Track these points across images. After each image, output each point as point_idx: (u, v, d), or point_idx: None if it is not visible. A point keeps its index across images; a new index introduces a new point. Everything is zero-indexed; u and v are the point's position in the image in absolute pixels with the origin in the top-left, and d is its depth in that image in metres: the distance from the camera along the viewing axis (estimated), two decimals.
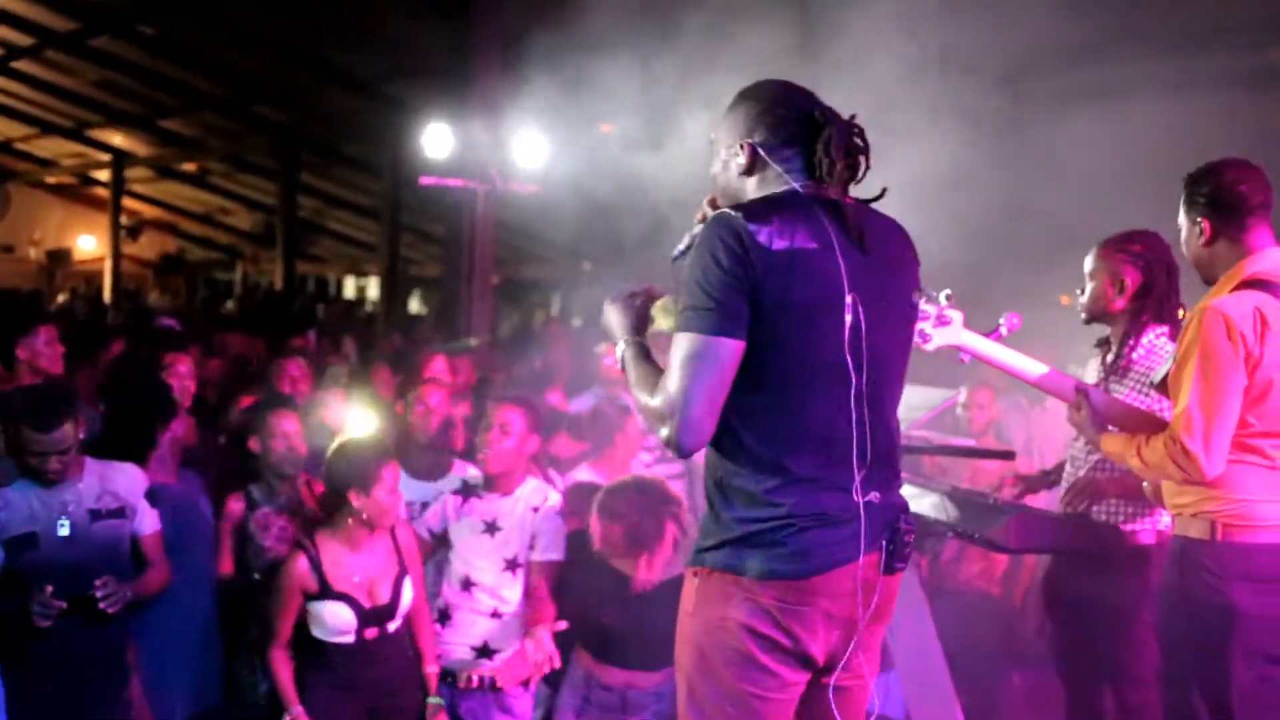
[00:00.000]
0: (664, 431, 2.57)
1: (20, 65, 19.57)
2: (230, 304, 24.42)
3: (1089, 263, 4.11)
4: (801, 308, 2.54)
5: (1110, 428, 3.62)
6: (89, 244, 29.15)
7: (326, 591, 4.27)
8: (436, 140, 9.80)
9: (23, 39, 18.09)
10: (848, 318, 2.56)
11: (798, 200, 2.65)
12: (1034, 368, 3.64)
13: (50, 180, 28.61)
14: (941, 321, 3.46)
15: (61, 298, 24.06)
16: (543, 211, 9.60)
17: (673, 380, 2.54)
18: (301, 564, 4.29)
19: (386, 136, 15.98)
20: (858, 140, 2.70)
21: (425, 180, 11.19)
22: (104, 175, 25.95)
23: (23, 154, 26.41)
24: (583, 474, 5.60)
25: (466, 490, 4.84)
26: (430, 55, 12.37)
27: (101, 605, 3.95)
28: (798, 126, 2.71)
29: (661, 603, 4.35)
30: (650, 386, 2.62)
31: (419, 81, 14.31)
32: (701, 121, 7.18)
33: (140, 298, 23.97)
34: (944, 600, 5.00)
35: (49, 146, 25.68)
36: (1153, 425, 3.53)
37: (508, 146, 9.18)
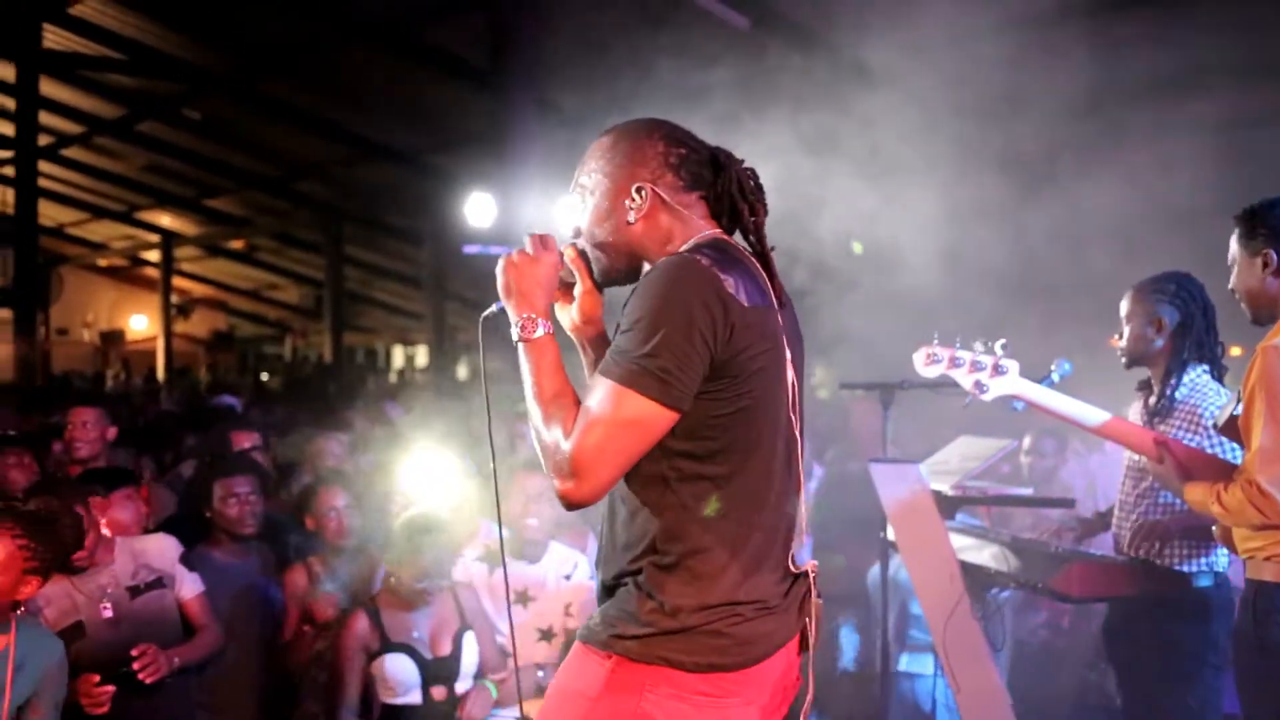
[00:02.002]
0: (562, 484, 2.26)
1: (70, 152, 20.02)
2: (265, 376, 24.61)
3: (1125, 306, 4.07)
4: (767, 374, 2.32)
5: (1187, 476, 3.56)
6: (141, 324, 29.61)
7: (387, 645, 4.27)
8: (478, 208, 9.90)
9: (72, 127, 18.51)
10: (789, 375, 2.39)
11: (733, 249, 2.40)
12: (1093, 414, 3.59)
13: (102, 263, 29.14)
14: (998, 371, 3.43)
15: (111, 378, 24.36)
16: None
17: (596, 437, 2.24)
18: (362, 621, 4.29)
19: (428, 206, 16.15)
20: (753, 182, 2.48)
21: (469, 248, 11.30)
22: (154, 256, 26.43)
23: (75, 238, 26.91)
24: None
25: (490, 558, 4.84)
26: (468, 126, 12.54)
27: (140, 676, 3.97)
28: (700, 169, 2.47)
29: None
30: (563, 418, 2.29)
31: (458, 151, 14.49)
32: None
33: (192, 375, 24.22)
34: (1010, 652, 4.93)
35: (100, 230, 26.20)
36: (1228, 471, 3.47)
37: (548, 211, 9.25)
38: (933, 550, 3.96)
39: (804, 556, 2.47)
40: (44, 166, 17.96)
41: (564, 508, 2.34)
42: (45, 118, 16.67)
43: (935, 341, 3.55)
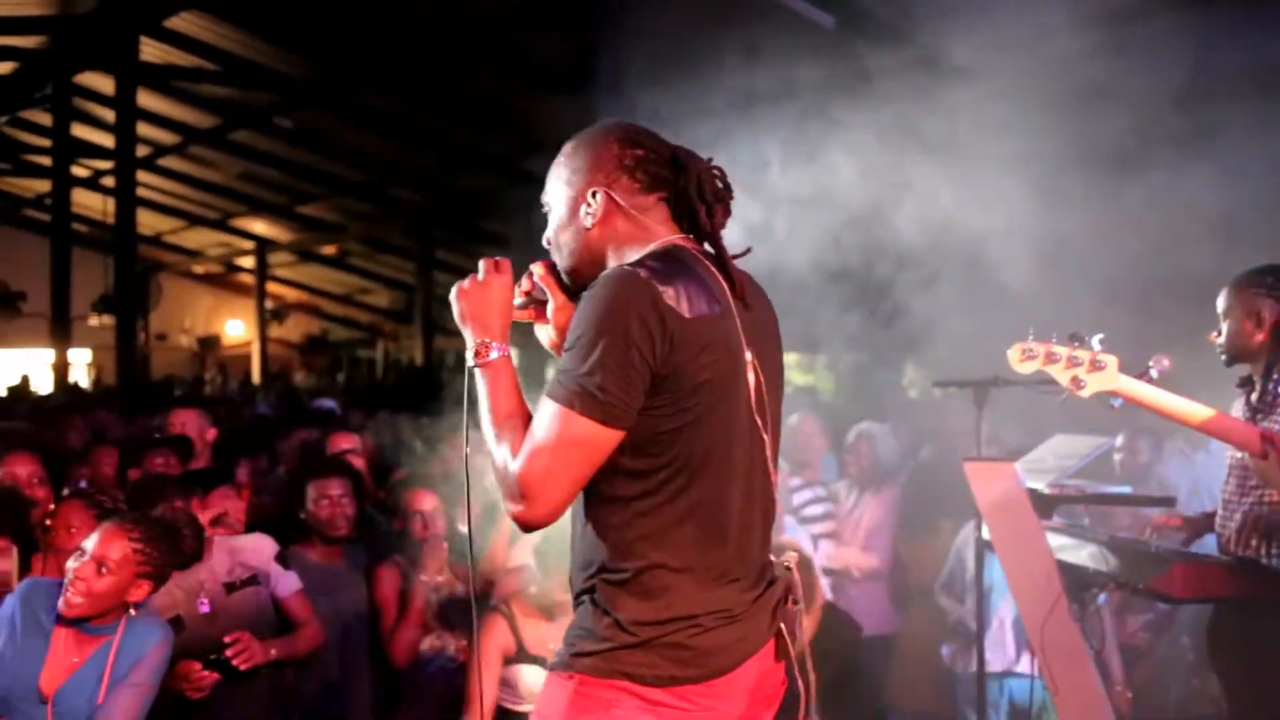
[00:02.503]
0: (514, 507, 2.25)
1: (166, 162, 20.43)
2: (340, 377, 24.88)
3: (1223, 301, 3.98)
4: (717, 384, 2.26)
5: None
6: (237, 329, 30.15)
7: (522, 654, 4.28)
8: None
9: (169, 137, 18.89)
10: (750, 377, 2.32)
11: (685, 256, 2.35)
12: (1195, 411, 3.51)
13: (198, 270, 29.70)
14: (1095, 367, 3.38)
15: (208, 381, 24.85)
16: None
17: (542, 459, 2.22)
18: (501, 625, 4.31)
19: (519, 210, 16.24)
20: (720, 183, 2.44)
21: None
22: (248, 262, 26.90)
23: (172, 246, 27.46)
24: None
25: None
26: (558, 130, 12.58)
27: (234, 662, 4.06)
28: (659, 169, 2.41)
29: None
30: (512, 439, 2.27)
31: (549, 156, 14.53)
32: (826, 184, 7.22)
33: (287, 379, 24.62)
34: (1110, 655, 4.85)
35: (196, 237, 26.70)
36: None
37: None
38: (1029, 549, 3.92)
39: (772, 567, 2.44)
40: (142, 176, 18.35)
41: (520, 530, 2.34)
42: (143, 128, 17.03)
43: (1031, 337, 3.52)
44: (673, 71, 8.48)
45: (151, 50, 15.25)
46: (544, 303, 2.58)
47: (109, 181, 18.90)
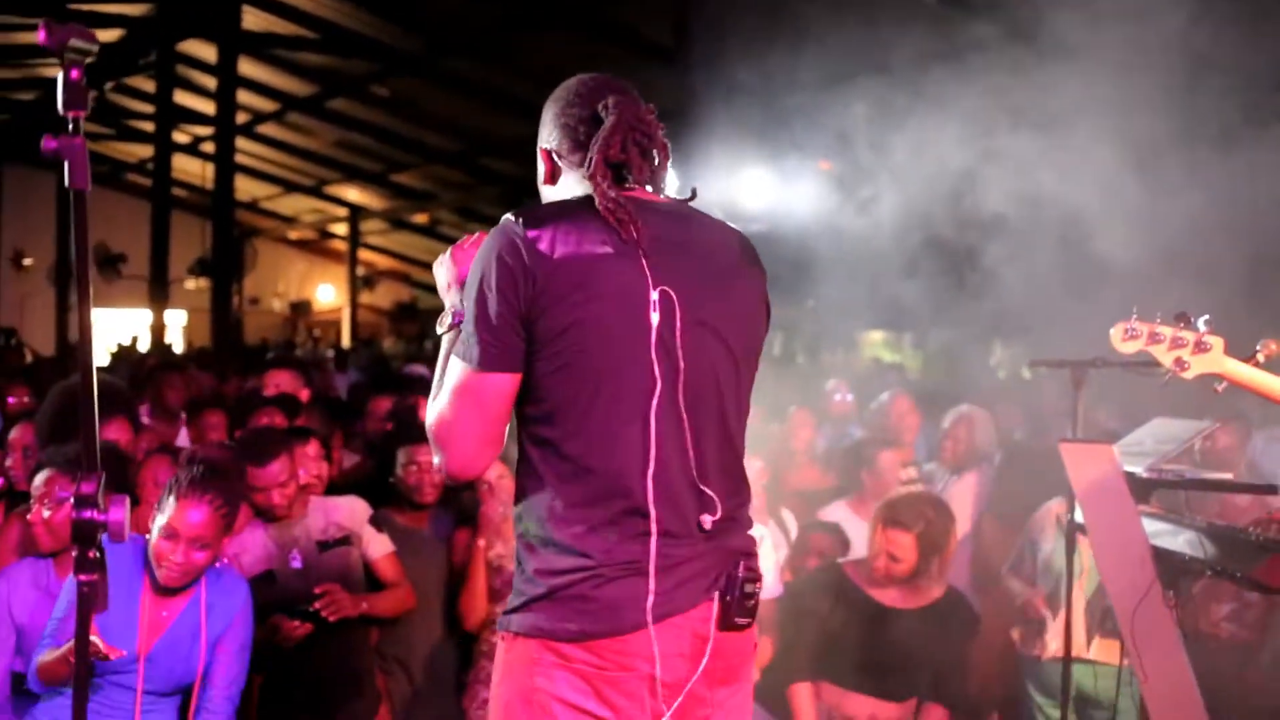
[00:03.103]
0: (435, 458, 2.33)
1: (264, 129, 20.77)
2: (428, 345, 25.02)
3: None
4: (596, 323, 2.22)
5: None
6: (328, 294, 30.60)
7: None
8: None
9: (267, 104, 19.19)
10: (654, 317, 2.25)
11: (583, 202, 2.32)
12: None
13: (292, 235, 30.20)
14: (1200, 348, 3.30)
15: (299, 348, 25.25)
16: (766, 251, 9.61)
17: (443, 406, 2.30)
18: None
19: None
20: (638, 135, 2.36)
21: None
22: (341, 229, 27.31)
23: (267, 212, 27.94)
24: (838, 512, 5.60)
25: None
26: (652, 101, 12.59)
27: (324, 614, 4.12)
28: (588, 126, 2.38)
29: (913, 628, 4.35)
30: (435, 395, 2.35)
31: None
32: (914, 159, 7.14)
33: (376, 345, 24.94)
34: (1194, 645, 4.75)
35: (290, 204, 27.14)
36: None
37: (731, 185, 9.25)
38: (1124, 534, 3.85)
39: (714, 527, 2.30)
40: (240, 143, 18.67)
41: (449, 481, 2.42)
42: (242, 96, 17.32)
43: (1134, 317, 3.44)
44: (767, 43, 8.44)
45: (253, 18, 15.48)
46: None
47: (208, 147, 19.27)
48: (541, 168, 2.49)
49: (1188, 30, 5.73)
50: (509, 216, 2.29)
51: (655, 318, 2.25)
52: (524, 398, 2.30)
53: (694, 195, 2.48)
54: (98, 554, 1.94)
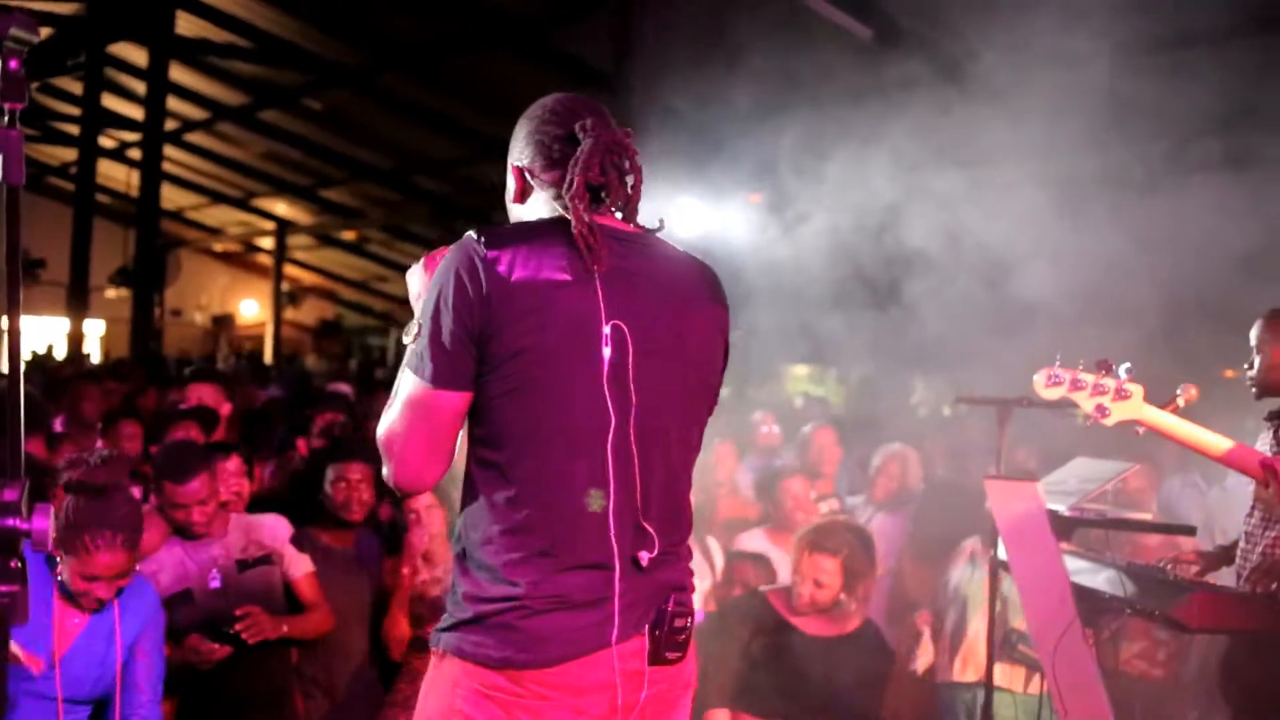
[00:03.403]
0: (384, 469, 2.31)
1: (193, 138, 20.51)
2: (351, 364, 24.89)
3: (1255, 334, 3.96)
4: (546, 350, 2.20)
5: None
6: (252, 309, 30.22)
7: None
8: None
9: (197, 112, 18.95)
10: (606, 350, 2.23)
11: (558, 226, 2.29)
12: (1217, 443, 3.50)
13: (217, 248, 29.80)
14: (1121, 395, 3.37)
15: (221, 360, 24.90)
16: None
17: (394, 418, 2.29)
18: None
19: None
20: (616, 158, 2.34)
21: None
22: (267, 243, 26.99)
23: (192, 222, 27.57)
24: (755, 540, 5.62)
25: None
26: None
27: (243, 636, 4.07)
28: (563, 145, 2.36)
29: (831, 657, 4.38)
30: (389, 407, 2.33)
31: None
32: (843, 192, 7.22)
33: (299, 362, 24.67)
34: (1108, 682, 4.83)
35: (217, 215, 26.82)
36: None
37: (665, 210, 9.29)
38: (1046, 571, 3.90)
39: (650, 561, 2.27)
40: (168, 150, 18.43)
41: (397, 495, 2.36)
42: (172, 103, 17.09)
43: (1057, 363, 3.51)
44: (706, 73, 8.50)
45: (187, 24, 15.30)
46: None
47: (135, 154, 18.97)
48: (511, 185, 2.46)
49: (1118, 79, 5.87)
50: (471, 233, 2.27)
51: (607, 351, 2.23)
52: (473, 417, 2.28)
53: (662, 226, 2.44)
54: (19, 564, 1.89)
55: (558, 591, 2.20)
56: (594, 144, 2.31)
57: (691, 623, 2.32)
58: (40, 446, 5.04)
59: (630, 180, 2.37)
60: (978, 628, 5.02)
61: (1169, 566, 4.10)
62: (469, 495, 2.31)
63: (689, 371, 2.36)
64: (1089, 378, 3.46)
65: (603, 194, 2.34)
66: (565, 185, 2.30)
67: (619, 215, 2.38)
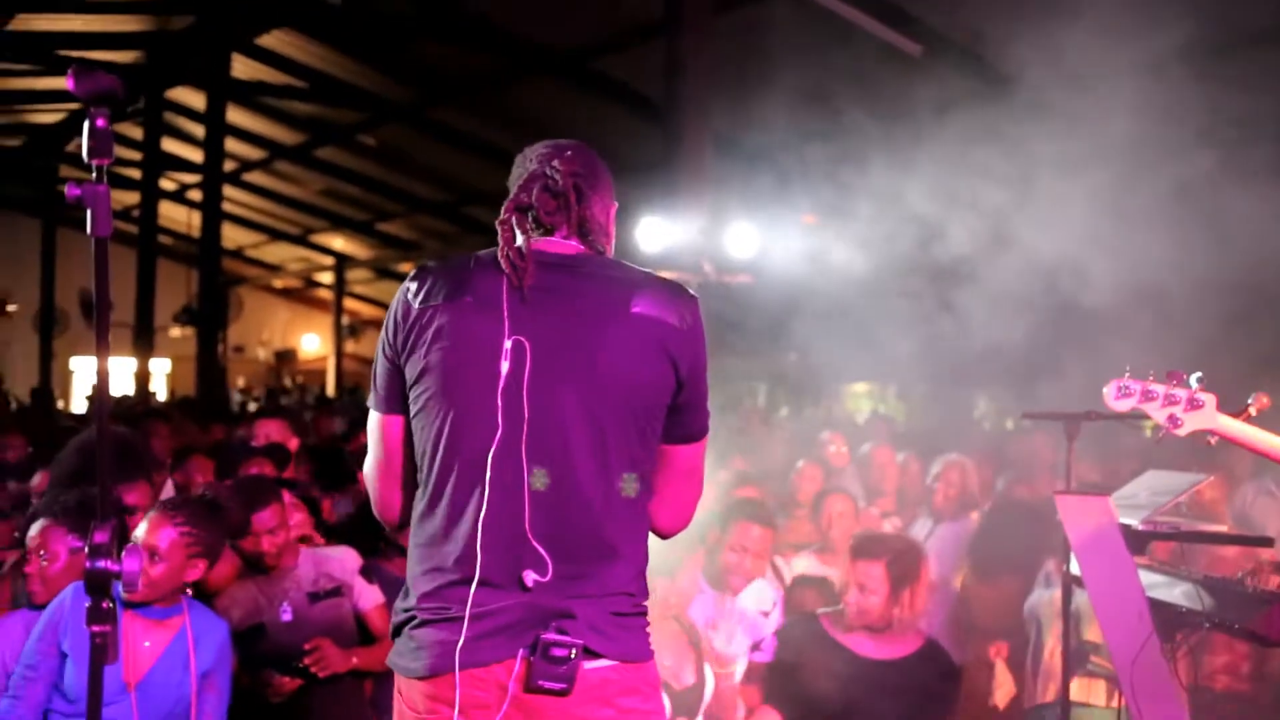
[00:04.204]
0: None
1: (251, 177, 20.81)
2: None
3: None
4: (446, 369, 2.27)
5: None
6: (313, 343, 30.54)
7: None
8: (649, 233, 10.03)
9: (255, 152, 19.24)
10: (503, 365, 2.25)
11: (490, 257, 2.36)
12: None
13: (277, 284, 30.18)
14: (1194, 405, 3.34)
15: (286, 396, 25.17)
16: (751, 302, 9.72)
17: (368, 452, 2.49)
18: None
19: None
20: (550, 179, 2.41)
21: None
22: (326, 278, 27.28)
23: (253, 260, 27.93)
24: (805, 563, 5.57)
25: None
26: (640, 154, 12.73)
27: (313, 670, 4.10)
28: (523, 181, 2.46)
29: (891, 680, 4.32)
30: None
31: (629, 178, 14.62)
32: (900, 205, 7.20)
33: (360, 394, 24.87)
34: (1191, 697, 4.75)
35: (276, 252, 27.16)
36: None
37: (716, 237, 9.31)
38: (1121, 587, 3.86)
39: (542, 584, 2.24)
40: (227, 190, 18.69)
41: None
42: (230, 144, 17.35)
43: (1127, 374, 3.48)
44: (754, 98, 8.52)
45: (243, 67, 15.55)
46: None
47: (195, 195, 19.25)
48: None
49: (1176, 89, 5.82)
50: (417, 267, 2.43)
51: (504, 366, 2.26)
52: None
53: (604, 250, 2.49)
54: (111, 604, 1.93)
55: (440, 604, 2.26)
56: (529, 172, 2.45)
57: (575, 655, 2.22)
58: (146, 498, 5.03)
59: (568, 198, 2.42)
60: (1053, 645, 4.96)
61: (1247, 578, 4.04)
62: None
63: (604, 390, 2.30)
64: (1160, 388, 3.42)
65: (531, 213, 2.40)
66: (502, 212, 2.40)
67: (565, 238, 2.43)
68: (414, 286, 2.36)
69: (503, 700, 2.21)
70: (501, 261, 2.32)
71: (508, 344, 2.26)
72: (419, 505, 2.35)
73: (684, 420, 2.44)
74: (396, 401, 2.38)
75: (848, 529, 5.50)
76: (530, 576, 2.23)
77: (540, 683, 2.20)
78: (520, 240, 2.33)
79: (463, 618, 2.22)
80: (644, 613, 2.38)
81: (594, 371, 2.29)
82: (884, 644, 4.39)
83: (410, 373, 2.33)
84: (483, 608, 2.22)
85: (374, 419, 2.44)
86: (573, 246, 2.43)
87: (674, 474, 2.48)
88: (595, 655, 2.25)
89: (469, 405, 2.27)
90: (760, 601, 4.85)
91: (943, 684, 4.48)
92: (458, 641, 2.20)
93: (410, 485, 2.41)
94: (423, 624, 2.26)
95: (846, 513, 5.69)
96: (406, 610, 2.32)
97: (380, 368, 2.40)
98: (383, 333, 2.41)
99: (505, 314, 2.28)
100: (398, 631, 2.34)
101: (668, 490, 2.47)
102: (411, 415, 2.35)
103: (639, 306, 2.35)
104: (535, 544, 2.24)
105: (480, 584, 2.23)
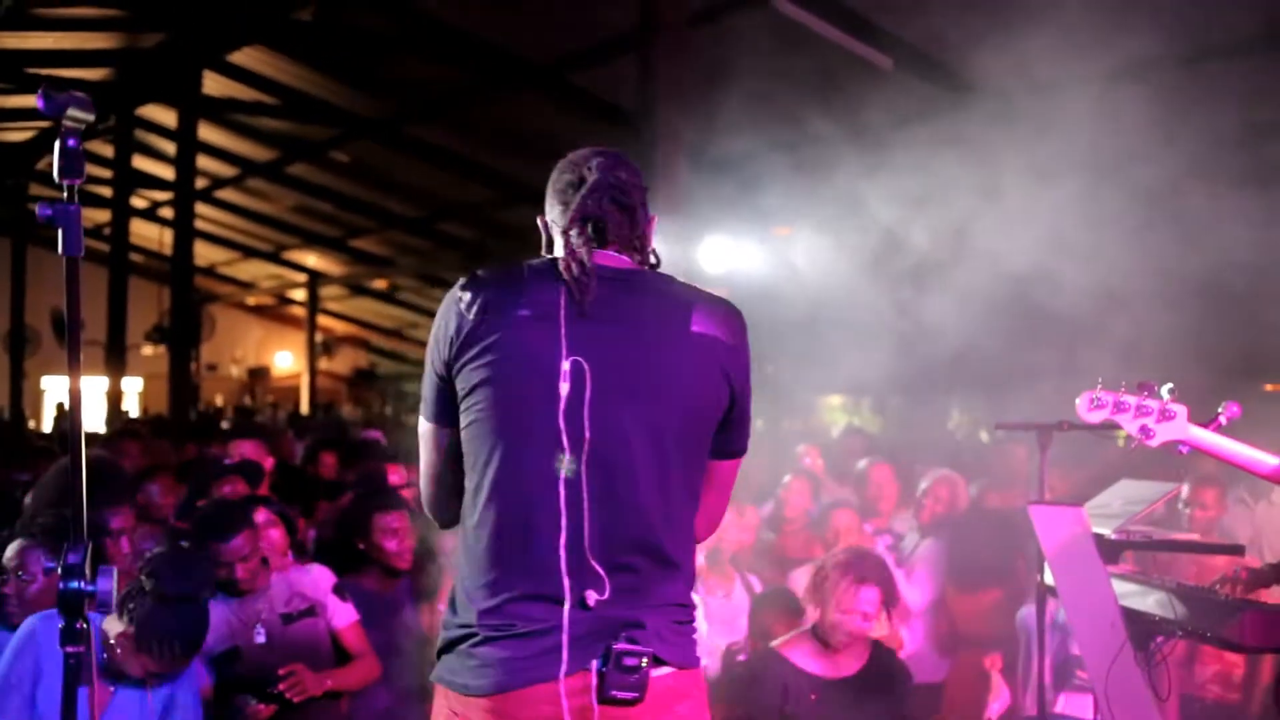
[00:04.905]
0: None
1: (223, 194, 20.71)
2: (388, 411, 24.97)
3: None
4: (501, 386, 2.26)
5: None
6: (286, 360, 30.40)
7: None
8: None
9: (226, 169, 19.15)
10: (564, 386, 2.24)
11: (545, 267, 2.37)
12: (1264, 459, 3.49)
13: (250, 301, 30.03)
14: (1165, 416, 3.36)
15: (259, 414, 25.05)
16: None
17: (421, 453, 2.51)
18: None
19: None
20: (617, 193, 2.40)
21: None
22: (300, 295, 27.18)
23: (225, 277, 27.79)
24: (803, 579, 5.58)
25: None
26: None
27: (288, 695, 4.08)
28: (574, 190, 2.43)
29: (849, 698, 4.32)
30: None
31: None
32: (867, 224, 7.23)
33: (335, 411, 24.80)
34: (1182, 707, 4.77)
35: (249, 269, 27.03)
36: None
37: (691, 251, 9.31)
38: (1095, 596, 3.88)
39: (603, 597, 2.25)
40: (199, 208, 18.59)
41: None
42: (201, 161, 17.26)
43: (1099, 385, 3.50)
44: (730, 111, 8.54)
45: (214, 84, 15.48)
46: None
47: (166, 212, 19.15)
48: (543, 236, 2.52)
49: (1146, 100, 5.87)
50: (462, 277, 2.38)
51: (565, 388, 2.25)
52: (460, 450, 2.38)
53: (657, 262, 2.50)
54: (84, 625, 1.92)
55: (506, 620, 2.24)
56: (594, 181, 2.40)
57: (646, 664, 2.24)
58: (129, 521, 5.02)
59: (635, 213, 2.44)
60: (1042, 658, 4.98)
61: (1219, 586, 4.07)
62: (461, 524, 2.40)
63: (665, 409, 2.32)
64: (1132, 400, 3.44)
65: (603, 225, 2.39)
66: (566, 223, 2.39)
67: (618, 251, 2.43)
68: (466, 297, 2.32)
69: (575, 715, 2.21)
70: (564, 273, 2.31)
71: (566, 365, 2.26)
72: (472, 518, 2.32)
73: (731, 436, 2.47)
74: (445, 413, 2.38)
75: (853, 545, 5.53)
76: (592, 596, 2.25)
77: (614, 693, 2.22)
78: (584, 253, 2.33)
79: (528, 634, 2.23)
80: (694, 620, 2.42)
81: (655, 391, 2.31)
82: (840, 661, 4.40)
83: (462, 385, 2.31)
84: (550, 623, 2.23)
85: (425, 426, 2.45)
86: (627, 260, 2.44)
87: (712, 487, 2.50)
88: (661, 663, 2.29)
89: (530, 425, 2.26)
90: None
91: (900, 685, 4.50)
92: (525, 658, 2.21)
93: (458, 490, 2.40)
94: (484, 640, 2.25)
95: (853, 528, 5.72)
96: (464, 627, 2.29)
97: (429, 379, 2.40)
98: (431, 342, 2.38)
99: (563, 330, 2.28)
100: (449, 648, 2.31)
101: (706, 502, 2.48)
102: (463, 426, 2.33)
103: (698, 325, 2.36)
104: (594, 563, 2.26)
105: (546, 600, 2.24)
